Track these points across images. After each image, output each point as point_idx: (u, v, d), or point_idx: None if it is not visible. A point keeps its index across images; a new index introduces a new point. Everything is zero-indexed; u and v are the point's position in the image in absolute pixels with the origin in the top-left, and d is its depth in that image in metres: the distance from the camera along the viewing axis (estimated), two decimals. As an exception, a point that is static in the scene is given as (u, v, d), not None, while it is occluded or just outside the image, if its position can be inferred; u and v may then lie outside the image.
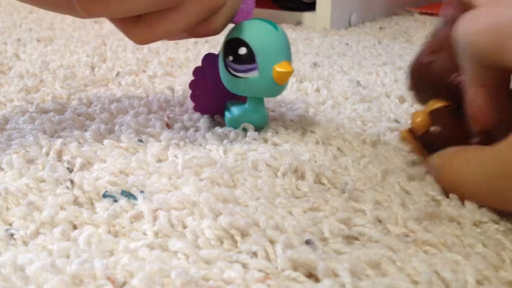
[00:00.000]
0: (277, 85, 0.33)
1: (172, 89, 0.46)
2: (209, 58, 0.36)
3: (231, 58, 0.33)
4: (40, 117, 0.37)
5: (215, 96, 0.36)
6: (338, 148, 0.33)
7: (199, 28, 0.31)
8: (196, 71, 0.37)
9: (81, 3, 0.28)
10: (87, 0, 0.28)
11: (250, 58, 0.32)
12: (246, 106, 0.35)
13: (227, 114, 0.36)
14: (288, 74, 0.32)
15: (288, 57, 0.33)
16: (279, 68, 0.32)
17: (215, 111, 0.38)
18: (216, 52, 0.36)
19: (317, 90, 0.47)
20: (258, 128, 0.35)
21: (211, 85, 0.36)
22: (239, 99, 0.36)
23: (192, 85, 0.37)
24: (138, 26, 0.30)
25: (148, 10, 0.29)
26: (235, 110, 0.35)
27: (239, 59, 0.32)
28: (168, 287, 0.20)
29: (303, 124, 0.37)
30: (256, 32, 0.32)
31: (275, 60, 0.32)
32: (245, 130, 0.34)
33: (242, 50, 0.32)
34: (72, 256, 0.21)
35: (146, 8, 0.29)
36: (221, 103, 0.37)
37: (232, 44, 0.33)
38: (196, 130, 0.36)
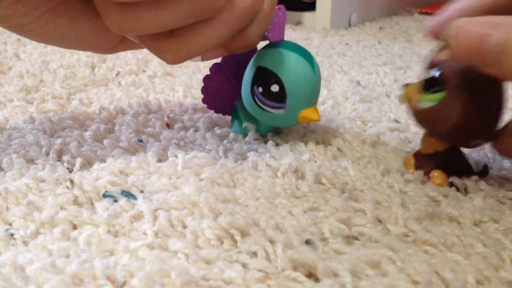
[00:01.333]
0: (296, 123, 0.32)
1: (172, 89, 0.46)
2: (232, 57, 0.35)
3: (260, 89, 0.31)
4: (40, 117, 0.37)
5: (226, 95, 0.36)
6: (338, 148, 0.33)
7: (235, 41, 0.30)
8: (214, 68, 0.35)
9: (112, 18, 0.26)
10: (118, 13, 0.26)
11: (280, 98, 0.31)
12: (258, 121, 0.34)
13: (236, 123, 0.35)
14: (312, 119, 0.31)
15: (316, 101, 0.32)
16: (307, 114, 0.31)
17: (222, 109, 0.37)
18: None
19: (317, 90, 0.47)
20: (266, 134, 0.35)
21: (226, 85, 0.35)
22: None
23: (206, 79, 0.36)
24: (172, 41, 0.28)
25: (184, 22, 0.27)
26: (243, 118, 0.34)
27: (268, 95, 0.31)
28: (168, 287, 0.20)
29: (303, 124, 0.37)
30: (294, 71, 0.31)
31: (304, 105, 0.31)
32: (246, 130, 0.34)
33: (275, 88, 0.31)
34: (72, 256, 0.21)
35: (183, 18, 0.27)
36: (230, 102, 0.36)
37: (265, 75, 0.31)
38: (196, 130, 0.36)
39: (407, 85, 0.29)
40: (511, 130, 0.27)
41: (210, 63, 0.33)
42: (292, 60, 0.31)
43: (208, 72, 0.35)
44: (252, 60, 0.33)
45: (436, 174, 0.28)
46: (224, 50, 0.30)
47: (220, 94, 0.36)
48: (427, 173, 0.28)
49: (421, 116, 0.28)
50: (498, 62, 0.22)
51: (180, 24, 0.27)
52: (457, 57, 0.24)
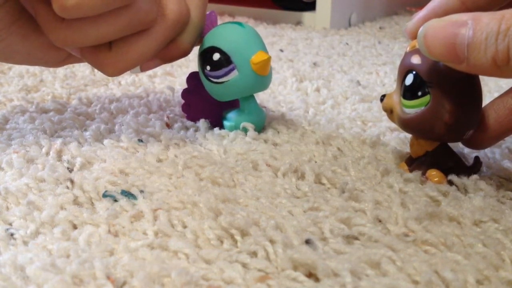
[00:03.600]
0: (261, 77, 0.33)
1: (172, 89, 0.46)
2: (194, 76, 0.36)
3: (208, 68, 0.33)
4: (40, 116, 0.37)
5: (209, 110, 0.36)
6: (338, 148, 0.33)
7: (169, 51, 0.32)
8: (184, 93, 0.37)
9: (54, 33, 0.28)
10: (61, 27, 0.28)
11: (225, 60, 0.33)
12: (240, 109, 0.35)
13: (225, 123, 0.35)
14: (266, 62, 0.32)
15: (261, 47, 0.33)
16: (256, 59, 0.32)
17: (211, 122, 0.37)
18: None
19: (317, 90, 0.47)
20: (258, 127, 0.35)
21: (202, 102, 0.36)
22: (233, 107, 0.36)
23: (184, 107, 0.37)
24: (111, 55, 0.30)
25: (122, 34, 0.29)
26: (231, 117, 0.35)
27: (216, 66, 0.33)
28: (168, 287, 0.20)
29: (303, 124, 0.37)
30: (223, 34, 0.33)
31: (249, 54, 0.32)
32: (245, 130, 0.34)
33: (216, 56, 0.33)
34: (72, 256, 0.21)
35: (121, 30, 0.29)
36: (215, 115, 0.36)
37: (205, 55, 0.33)
38: (196, 130, 0.36)
39: (384, 96, 0.30)
40: (485, 126, 0.28)
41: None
42: (219, 29, 0.33)
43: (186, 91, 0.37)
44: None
45: (434, 173, 0.28)
46: (160, 60, 0.33)
47: (203, 113, 0.36)
48: (423, 174, 0.28)
49: (409, 124, 0.28)
50: (468, 58, 0.23)
51: (118, 36, 0.29)
52: (430, 57, 0.24)
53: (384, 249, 0.22)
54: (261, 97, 0.45)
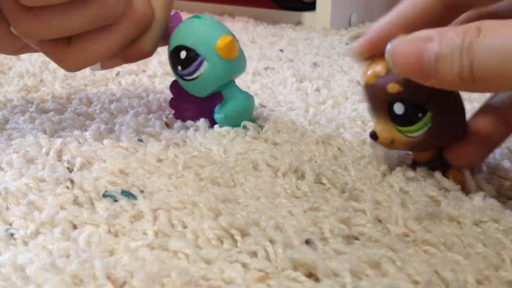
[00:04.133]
0: (231, 61, 0.33)
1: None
2: (176, 84, 0.36)
3: (180, 68, 0.33)
4: (40, 117, 0.37)
5: (201, 111, 0.36)
6: (338, 148, 0.33)
7: (130, 51, 0.32)
8: (172, 102, 0.37)
9: (21, 24, 0.28)
10: (27, 19, 0.27)
11: (193, 55, 0.33)
12: (224, 98, 0.34)
13: (216, 117, 0.35)
14: (231, 44, 0.32)
15: (223, 32, 0.33)
16: (220, 44, 0.32)
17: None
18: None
19: (317, 90, 0.47)
20: (249, 111, 0.35)
21: (191, 106, 0.36)
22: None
23: (176, 115, 0.37)
24: (70, 51, 0.30)
25: (88, 27, 0.29)
26: (219, 109, 0.35)
27: (185, 63, 0.33)
28: (168, 287, 0.20)
29: (303, 124, 0.37)
30: (184, 30, 0.33)
31: (213, 41, 0.32)
32: (245, 128, 0.34)
33: (183, 54, 0.33)
34: (72, 256, 0.21)
35: (87, 24, 0.29)
36: (209, 114, 0.36)
37: (173, 56, 0.33)
38: (196, 130, 0.36)
39: (374, 132, 0.28)
40: (470, 138, 0.27)
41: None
42: (179, 28, 0.34)
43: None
44: None
45: (456, 171, 0.28)
46: (121, 60, 0.33)
47: (196, 117, 0.36)
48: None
49: (424, 143, 0.27)
50: (436, 73, 0.23)
51: (82, 30, 0.29)
52: (399, 74, 0.24)
53: (384, 249, 0.22)
54: (261, 97, 0.45)
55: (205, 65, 0.33)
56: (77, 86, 0.46)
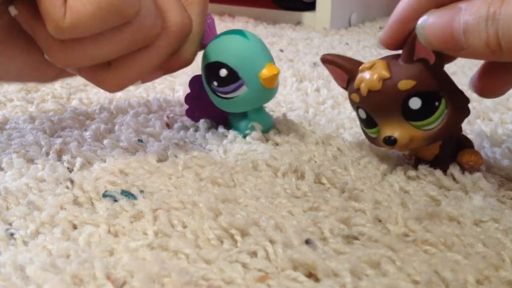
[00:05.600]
0: (269, 90, 0.32)
1: (172, 89, 0.46)
2: (197, 80, 0.35)
3: (215, 83, 0.32)
4: (40, 116, 0.37)
5: (214, 114, 0.36)
6: (338, 148, 0.33)
7: (171, 62, 0.31)
8: (188, 98, 0.36)
9: (55, 54, 0.27)
10: (61, 49, 0.26)
11: (233, 76, 0.31)
12: (249, 119, 0.34)
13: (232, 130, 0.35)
14: (275, 76, 0.31)
15: (268, 59, 0.32)
16: (265, 73, 0.31)
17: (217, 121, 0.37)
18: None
19: (317, 90, 0.47)
20: (267, 131, 0.35)
21: (207, 106, 0.35)
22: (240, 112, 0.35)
23: (189, 113, 0.37)
24: (110, 73, 0.29)
25: (125, 52, 0.28)
26: (242, 127, 0.34)
27: (223, 82, 0.32)
28: (168, 287, 0.20)
29: (303, 124, 0.37)
30: (228, 48, 0.32)
31: (258, 68, 0.31)
32: (252, 128, 0.34)
33: (223, 72, 0.32)
34: (72, 256, 0.21)
35: (124, 49, 0.28)
36: (221, 118, 0.36)
37: (211, 70, 0.32)
38: (196, 130, 0.36)
39: (391, 137, 0.27)
40: (489, 70, 0.28)
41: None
42: (222, 41, 0.32)
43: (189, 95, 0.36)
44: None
45: (467, 155, 0.28)
46: (162, 72, 0.31)
47: (208, 118, 0.36)
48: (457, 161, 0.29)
49: (441, 133, 0.27)
50: (467, 43, 0.23)
51: (121, 54, 0.28)
52: (431, 47, 0.25)
53: (384, 249, 0.22)
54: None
55: (243, 89, 0.32)
56: (77, 86, 0.46)
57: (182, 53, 0.31)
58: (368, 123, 0.29)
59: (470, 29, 0.23)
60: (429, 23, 0.24)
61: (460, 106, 0.27)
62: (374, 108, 0.28)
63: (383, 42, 0.28)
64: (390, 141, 0.27)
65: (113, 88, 0.29)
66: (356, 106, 0.29)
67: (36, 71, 0.31)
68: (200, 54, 0.33)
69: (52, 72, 0.32)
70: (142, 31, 0.27)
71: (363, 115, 0.29)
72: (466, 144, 0.29)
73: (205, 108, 0.36)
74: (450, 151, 0.29)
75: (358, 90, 0.28)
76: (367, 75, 0.27)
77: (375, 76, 0.27)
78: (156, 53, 0.29)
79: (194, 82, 0.36)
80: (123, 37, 0.27)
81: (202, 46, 0.33)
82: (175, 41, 0.29)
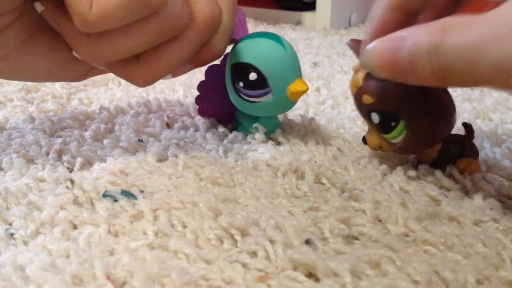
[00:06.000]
0: (292, 103, 0.32)
1: (172, 89, 0.46)
2: (214, 70, 0.35)
3: (241, 84, 0.32)
4: (40, 116, 0.37)
5: (222, 107, 0.36)
6: (338, 148, 0.33)
7: (201, 54, 0.30)
8: (201, 86, 0.36)
9: (83, 49, 0.26)
10: (88, 43, 0.26)
11: (262, 82, 0.31)
12: (261, 122, 0.34)
13: (240, 130, 0.35)
14: (304, 92, 0.31)
15: (299, 74, 0.32)
16: (294, 88, 0.31)
17: (223, 119, 0.37)
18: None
19: (317, 90, 0.47)
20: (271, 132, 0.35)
21: (217, 98, 0.35)
22: None
23: (198, 100, 0.36)
24: (140, 66, 0.28)
25: (153, 44, 0.27)
26: (248, 126, 0.34)
27: (250, 85, 0.31)
28: (168, 287, 0.20)
29: (303, 124, 0.37)
30: (264, 53, 0.31)
31: (288, 81, 0.31)
32: (256, 129, 0.34)
33: (253, 76, 0.31)
34: (72, 256, 0.21)
35: (151, 41, 0.27)
36: (230, 111, 0.36)
37: (240, 69, 0.31)
38: (196, 130, 0.36)
39: (364, 138, 0.30)
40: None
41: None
42: (259, 44, 0.31)
43: (199, 86, 0.36)
44: (226, 63, 0.33)
45: (465, 162, 0.29)
46: (192, 65, 0.31)
47: (216, 109, 0.36)
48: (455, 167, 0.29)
49: (406, 149, 0.28)
50: (413, 73, 0.23)
51: (149, 46, 0.27)
52: (381, 77, 0.24)
53: (384, 249, 0.22)
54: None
55: (268, 97, 0.31)
56: (77, 86, 0.46)
57: (212, 45, 0.30)
58: None
59: (415, 60, 0.22)
60: (375, 54, 0.24)
61: (426, 129, 0.27)
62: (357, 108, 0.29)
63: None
64: (363, 140, 0.30)
65: (143, 82, 0.29)
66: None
67: (64, 69, 0.30)
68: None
69: (81, 70, 0.31)
70: (170, 21, 0.27)
71: None
72: (470, 151, 0.29)
73: (214, 98, 0.35)
74: (449, 156, 0.29)
75: None
76: (355, 75, 0.28)
77: (353, 81, 0.28)
78: (186, 44, 0.28)
79: (211, 71, 0.35)
80: (151, 28, 0.26)
81: (232, 40, 0.32)
82: (205, 32, 0.28)
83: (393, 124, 0.27)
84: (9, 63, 0.28)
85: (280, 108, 0.33)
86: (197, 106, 0.37)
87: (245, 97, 0.32)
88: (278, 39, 0.32)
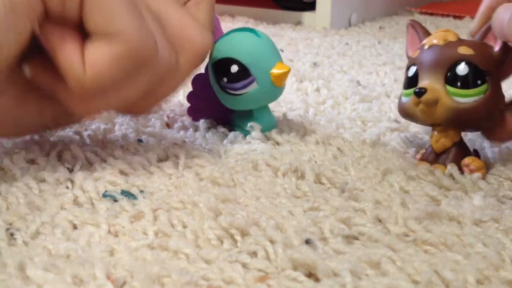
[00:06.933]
0: (278, 88, 0.33)
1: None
2: (199, 79, 0.35)
3: (225, 79, 0.32)
4: (40, 117, 0.37)
5: (217, 113, 0.36)
6: (338, 148, 0.33)
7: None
8: (191, 97, 0.36)
9: (77, 105, 0.27)
10: (83, 100, 0.26)
11: (244, 73, 0.32)
12: (254, 118, 0.34)
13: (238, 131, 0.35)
14: (286, 73, 0.32)
15: (279, 57, 0.33)
16: (276, 71, 0.32)
17: (218, 122, 0.37)
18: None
19: (317, 90, 0.47)
20: (270, 129, 0.35)
21: (210, 105, 0.35)
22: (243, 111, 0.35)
23: (190, 111, 0.37)
24: (136, 104, 0.29)
25: (145, 91, 0.28)
26: (246, 125, 0.34)
27: (234, 78, 0.32)
28: (168, 287, 0.20)
29: (303, 124, 0.37)
30: (240, 44, 0.32)
31: (269, 66, 0.32)
32: (252, 127, 0.34)
33: (234, 68, 0.32)
34: (72, 256, 0.21)
35: (143, 89, 0.27)
36: (223, 117, 0.36)
37: (221, 66, 0.32)
38: (196, 130, 0.36)
39: (423, 88, 0.28)
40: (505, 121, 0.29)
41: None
42: (233, 38, 0.33)
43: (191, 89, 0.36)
44: (208, 65, 0.34)
45: (471, 160, 0.29)
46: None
47: (211, 117, 0.36)
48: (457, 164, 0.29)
49: (467, 112, 0.28)
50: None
51: (142, 94, 0.28)
52: (502, 39, 0.28)
53: (384, 249, 0.22)
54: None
55: (253, 86, 0.32)
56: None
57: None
58: (411, 81, 0.30)
59: None
60: (495, 20, 0.28)
61: (496, 102, 0.28)
62: (426, 62, 0.29)
63: (472, 34, 0.31)
64: (420, 92, 0.28)
65: (140, 113, 0.30)
66: (410, 65, 0.30)
67: (61, 120, 0.30)
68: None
69: (78, 118, 0.31)
70: (159, 69, 0.27)
71: (411, 72, 0.30)
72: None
73: (207, 106, 0.36)
74: (461, 150, 0.29)
75: (422, 46, 0.30)
76: (437, 34, 0.30)
77: (442, 34, 0.29)
78: (178, 79, 0.29)
79: (197, 80, 0.35)
80: (142, 79, 0.27)
81: None
82: (198, 63, 0.30)
83: (479, 82, 0.28)
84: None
85: (268, 96, 0.33)
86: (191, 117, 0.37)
87: (232, 92, 0.32)
88: (251, 30, 0.33)
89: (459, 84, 0.28)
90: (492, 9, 0.29)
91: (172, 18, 0.28)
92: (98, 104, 0.27)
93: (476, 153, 0.30)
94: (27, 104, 0.28)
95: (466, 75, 0.28)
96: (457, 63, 0.28)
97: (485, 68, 0.28)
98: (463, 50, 0.28)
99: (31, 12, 0.24)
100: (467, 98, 0.28)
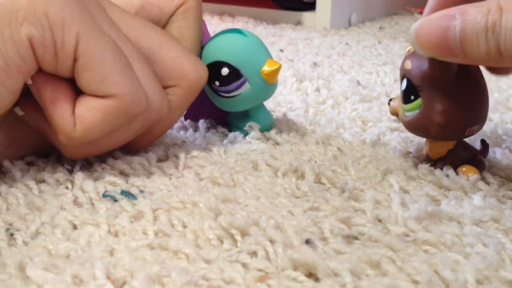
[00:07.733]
0: (271, 85, 0.33)
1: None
2: None
3: (217, 83, 0.32)
4: (40, 117, 0.37)
5: (213, 116, 0.36)
6: (338, 148, 0.33)
7: None
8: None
9: (68, 151, 0.27)
10: (74, 147, 0.27)
11: (235, 74, 0.32)
12: (251, 117, 0.34)
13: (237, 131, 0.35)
14: (277, 70, 0.32)
15: (268, 55, 0.33)
16: (268, 68, 0.32)
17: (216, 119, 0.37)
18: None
19: (317, 90, 0.47)
20: (268, 129, 0.35)
21: (205, 109, 0.35)
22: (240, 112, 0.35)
23: (186, 117, 0.37)
24: (130, 146, 0.30)
25: (135, 136, 0.28)
26: (243, 126, 0.34)
27: (225, 81, 0.32)
28: (168, 287, 0.20)
29: (303, 124, 0.37)
30: (227, 46, 0.32)
31: (259, 64, 0.32)
32: (250, 127, 0.34)
33: (225, 71, 0.32)
34: (72, 256, 0.21)
35: (133, 136, 0.28)
36: (220, 118, 0.36)
37: (211, 70, 0.32)
38: (196, 130, 0.36)
39: (391, 99, 0.30)
40: None
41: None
42: (220, 41, 0.32)
43: None
44: None
45: (464, 169, 0.29)
46: None
47: (205, 114, 0.36)
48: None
49: (410, 126, 0.29)
50: (463, 52, 0.23)
51: (132, 138, 0.28)
52: (425, 54, 0.25)
53: (384, 249, 0.22)
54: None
55: (246, 86, 0.32)
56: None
57: None
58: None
59: (468, 39, 0.23)
60: (422, 30, 0.24)
61: (433, 115, 0.27)
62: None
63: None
64: (389, 102, 0.30)
65: (139, 149, 0.30)
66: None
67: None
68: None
69: None
70: (150, 117, 0.28)
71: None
72: (478, 164, 0.29)
73: (203, 110, 0.36)
74: (457, 159, 0.29)
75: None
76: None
77: (407, 50, 0.30)
78: (174, 118, 0.30)
79: None
80: (132, 127, 0.27)
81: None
82: (194, 95, 0.30)
83: (412, 97, 0.27)
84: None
85: (262, 95, 0.33)
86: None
87: (225, 94, 0.32)
88: (238, 30, 0.33)
89: (403, 97, 0.28)
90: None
91: (164, 52, 0.29)
92: (88, 150, 0.28)
93: (483, 143, 0.30)
94: (23, 137, 0.29)
95: (405, 90, 0.28)
96: (403, 78, 0.28)
97: (417, 82, 0.27)
98: (407, 64, 0.28)
99: (25, 69, 0.24)
100: (408, 112, 0.28)
